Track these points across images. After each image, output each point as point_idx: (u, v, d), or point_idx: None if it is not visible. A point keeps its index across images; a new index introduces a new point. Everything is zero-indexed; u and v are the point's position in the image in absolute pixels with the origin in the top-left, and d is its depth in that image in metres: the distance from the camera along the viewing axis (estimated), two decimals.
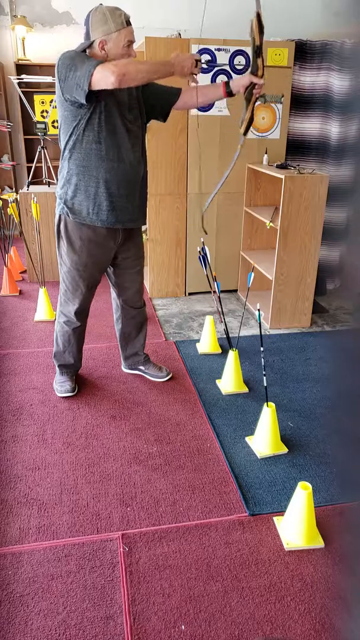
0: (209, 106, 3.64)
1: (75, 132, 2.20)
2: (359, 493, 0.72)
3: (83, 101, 2.04)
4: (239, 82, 2.24)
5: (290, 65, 3.67)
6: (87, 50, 2.15)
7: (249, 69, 2.21)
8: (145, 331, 2.83)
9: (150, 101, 2.36)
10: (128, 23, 2.12)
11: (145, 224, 2.55)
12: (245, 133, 2.26)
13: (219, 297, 2.86)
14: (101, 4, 2.12)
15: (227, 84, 2.28)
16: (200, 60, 2.16)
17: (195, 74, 2.18)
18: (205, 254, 2.86)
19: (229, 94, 2.29)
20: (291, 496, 1.88)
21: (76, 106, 2.14)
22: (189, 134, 3.70)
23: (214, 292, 2.91)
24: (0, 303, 3.93)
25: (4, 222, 4.45)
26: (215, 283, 2.83)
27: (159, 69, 2.10)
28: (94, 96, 2.06)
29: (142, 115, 2.34)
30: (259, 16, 2.08)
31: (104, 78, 1.95)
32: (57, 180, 4.54)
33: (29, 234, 4.25)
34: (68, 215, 2.32)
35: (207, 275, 2.78)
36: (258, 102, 2.22)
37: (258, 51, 2.11)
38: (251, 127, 2.25)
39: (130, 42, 2.14)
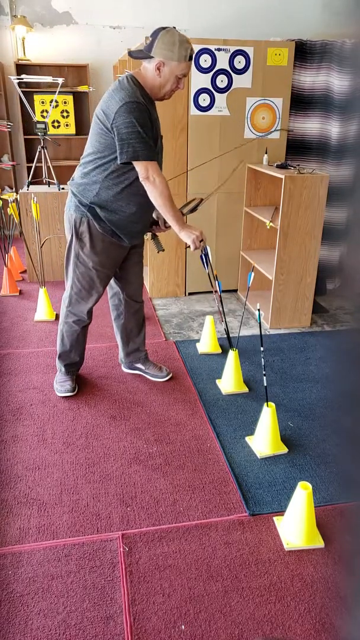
0: (209, 105, 3.65)
1: (113, 161, 2.26)
2: (359, 493, 0.72)
3: (118, 161, 2.21)
4: (155, 214, 2.54)
5: (290, 65, 3.67)
6: (143, 62, 2.19)
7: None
8: (145, 328, 2.86)
9: None
10: (191, 58, 2.17)
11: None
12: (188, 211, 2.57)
13: (220, 297, 2.85)
14: (174, 27, 2.17)
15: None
16: (201, 249, 2.42)
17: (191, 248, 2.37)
18: (207, 253, 2.84)
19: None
20: (291, 496, 1.88)
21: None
22: (189, 134, 3.70)
23: (215, 291, 2.90)
24: (0, 303, 3.93)
25: (4, 222, 4.45)
26: (217, 282, 2.82)
27: (172, 219, 2.30)
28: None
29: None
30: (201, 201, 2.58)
31: (143, 172, 2.18)
32: (53, 177, 4.55)
33: (29, 234, 4.25)
34: (92, 220, 2.36)
35: (208, 274, 2.77)
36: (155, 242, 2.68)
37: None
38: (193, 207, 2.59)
39: (184, 75, 2.20)
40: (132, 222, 2.38)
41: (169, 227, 2.48)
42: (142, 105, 2.13)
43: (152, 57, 2.14)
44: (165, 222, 2.54)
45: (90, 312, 2.60)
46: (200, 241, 2.35)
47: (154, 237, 2.62)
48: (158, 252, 2.62)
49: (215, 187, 3.83)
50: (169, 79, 2.18)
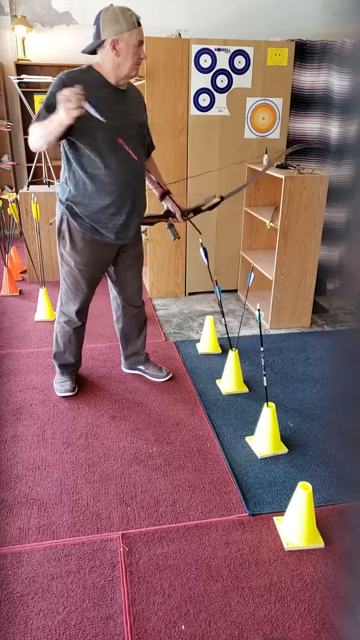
0: (209, 105, 3.65)
1: (71, 155, 2.23)
2: (359, 493, 0.72)
3: None
4: (171, 207, 2.56)
5: (290, 65, 3.67)
6: (98, 50, 2.16)
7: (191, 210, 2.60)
8: (146, 330, 2.84)
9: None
10: (139, 23, 2.14)
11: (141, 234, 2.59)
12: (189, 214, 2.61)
13: (220, 302, 2.84)
14: (112, 4, 2.14)
15: (164, 194, 2.57)
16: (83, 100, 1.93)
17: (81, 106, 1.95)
18: (205, 249, 2.82)
19: (161, 197, 2.59)
20: (291, 496, 1.88)
21: None
22: (189, 134, 3.70)
23: (214, 292, 2.89)
24: (0, 303, 3.93)
25: (4, 222, 4.45)
26: (217, 287, 2.79)
27: (48, 126, 2.01)
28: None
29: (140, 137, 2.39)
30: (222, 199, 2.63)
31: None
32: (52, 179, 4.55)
33: (29, 234, 4.25)
34: (70, 218, 2.34)
35: (207, 266, 2.75)
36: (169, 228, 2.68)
37: (197, 210, 2.60)
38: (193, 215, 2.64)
39: (141, 42, 2.16)
40: (111, 215, 2.31)
41: (187, 219, 2.49)
42: (68, 80, 2.09)
43: (104, 40, 2.11)
44: (182, 214, 2.54)
45: (80, 314, 2.56)
46: (76, 96, 1.89)
47: (170, 226, 2.61)
48: (174, 239, 2.62)
49: (216, 187, 3.83)
50: (128, 52, 2.13)
